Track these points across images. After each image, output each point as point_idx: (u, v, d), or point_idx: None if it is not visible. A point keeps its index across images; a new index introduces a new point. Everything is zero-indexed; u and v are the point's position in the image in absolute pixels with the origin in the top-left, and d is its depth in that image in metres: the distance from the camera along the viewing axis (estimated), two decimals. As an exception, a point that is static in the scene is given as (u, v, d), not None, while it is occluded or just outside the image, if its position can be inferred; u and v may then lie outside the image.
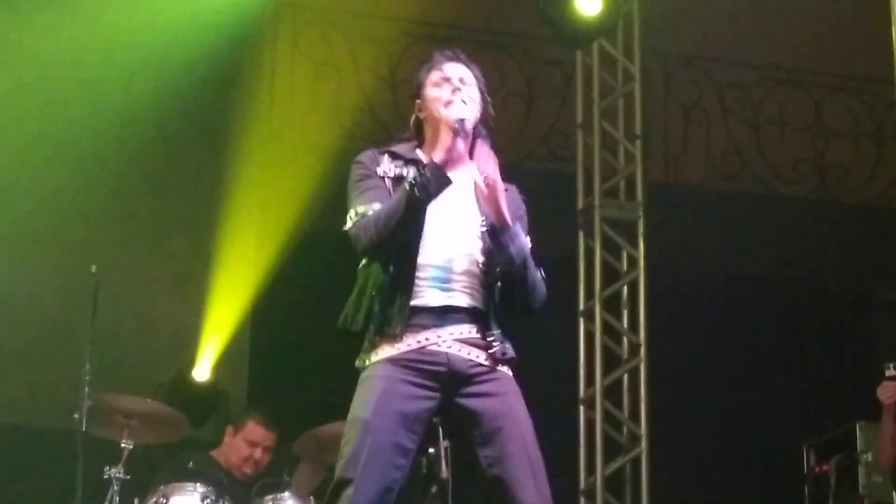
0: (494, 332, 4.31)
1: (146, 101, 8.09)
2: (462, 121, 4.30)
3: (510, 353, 4.33)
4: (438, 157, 4.27)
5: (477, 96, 4.43)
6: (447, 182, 4.26)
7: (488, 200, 4.29)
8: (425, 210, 4.26)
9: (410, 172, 4.29)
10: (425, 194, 4.22)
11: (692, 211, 9.40)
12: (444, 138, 4.29)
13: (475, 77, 4.47)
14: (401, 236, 4.24)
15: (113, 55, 8.05)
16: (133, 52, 8.05)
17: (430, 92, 4.42)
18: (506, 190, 4.43)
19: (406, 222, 4.23)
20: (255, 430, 7.12)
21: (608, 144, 8.77)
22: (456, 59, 4.48)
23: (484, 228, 4.35)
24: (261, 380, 8.75)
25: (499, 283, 4.35)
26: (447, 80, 4.39)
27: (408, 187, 4.22)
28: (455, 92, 4.38)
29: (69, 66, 8.03)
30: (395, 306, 4.25)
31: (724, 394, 9.19)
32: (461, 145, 4.33)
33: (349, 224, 4.31)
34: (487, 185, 4.28)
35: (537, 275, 4.39)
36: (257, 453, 7.09)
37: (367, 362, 4.28)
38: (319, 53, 9.29)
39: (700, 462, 9.02)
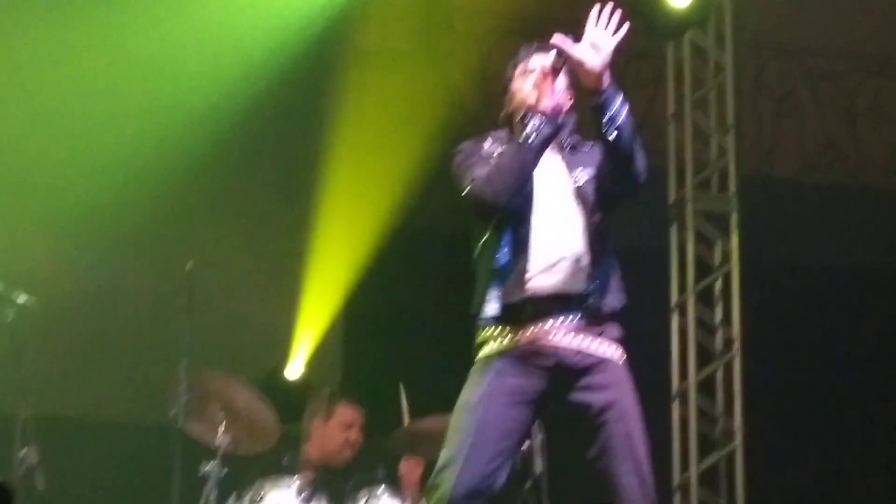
0: (591, 285, 4.30)
1: (239, 100, 8.14)
2: (559, 54, 4.29)
3: (610, 304, 4.34)
4: (542, 103, 4.31)
5: (562, 84, 4.44)
6: (557, 125, 4.28)
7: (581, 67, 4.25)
8: (539, 159, 4.27)
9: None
10: (539, 139, 4.24)
11: (786, 203, 9.30)
12: (543, 86, 4.33)
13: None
14: (521, 189, 4.25)
15: (205, 53, 8.10)
16: (225, 50, 8.10)
17: (516, 84, 4.46)
18: (591, 147, 4.46)
19: (525, 172, 4.24)
20: (346, 411, 7.15)
21: (700, 137, 8.71)
22: (541, 49, 4.50)
23: (578, 185, 4.37)
24: (354, 377, 8.78)
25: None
26: (532, 71, 4.40)
27: (521, 137, 4.25)
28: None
29: (163, 65, 8.09)
30: (512, 285, 4.27)
31: (820, 388, 9.09)
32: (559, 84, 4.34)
33: (467, 189, 4.31)
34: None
35: (638, 143, 4.40)
36: (353, 434, 7.11)
37: (479, 355, 4.32)
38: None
39: (796, 458, 8.94)
